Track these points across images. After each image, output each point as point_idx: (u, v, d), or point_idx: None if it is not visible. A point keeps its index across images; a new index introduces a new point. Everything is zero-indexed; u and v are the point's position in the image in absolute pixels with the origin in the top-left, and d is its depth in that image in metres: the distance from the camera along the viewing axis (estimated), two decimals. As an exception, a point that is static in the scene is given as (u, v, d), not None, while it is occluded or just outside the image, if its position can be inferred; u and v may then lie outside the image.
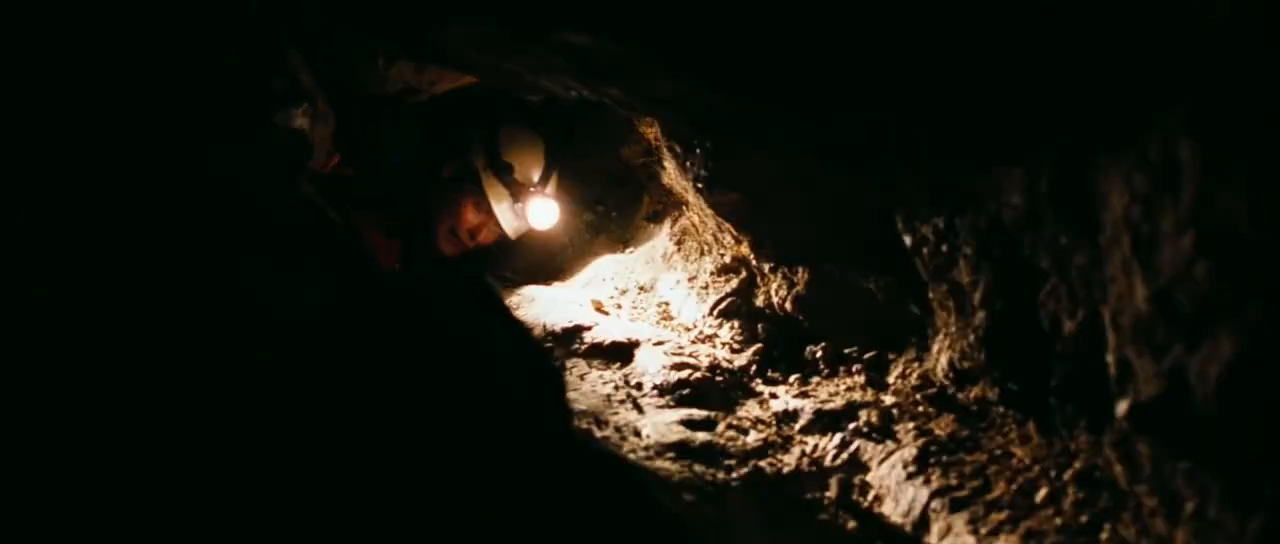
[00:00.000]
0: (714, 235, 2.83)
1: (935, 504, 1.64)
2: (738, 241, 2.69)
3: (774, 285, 2.53)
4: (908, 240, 1.88)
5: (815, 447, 1.99)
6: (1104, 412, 1.34)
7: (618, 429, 2.14)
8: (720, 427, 2.15)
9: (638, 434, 2.12)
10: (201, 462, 1.38)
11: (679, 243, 3.06)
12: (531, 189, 3.34)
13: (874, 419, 1.97)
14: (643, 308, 2.93)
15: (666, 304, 2.92)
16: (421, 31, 2.40)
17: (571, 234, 3.58)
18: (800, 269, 2.45)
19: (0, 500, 1.24)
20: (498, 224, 3.42)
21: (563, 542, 1.56)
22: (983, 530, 1.54)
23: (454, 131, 3.51)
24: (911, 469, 1.75)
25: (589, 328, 2.63)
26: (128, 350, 1.46)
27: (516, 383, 1.78)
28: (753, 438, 2.09)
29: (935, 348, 1.95)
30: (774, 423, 2.14)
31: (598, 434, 2.11)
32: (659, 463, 1.97)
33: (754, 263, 2.63)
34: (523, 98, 3.26)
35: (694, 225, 2.97)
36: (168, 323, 1.51)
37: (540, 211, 3.32)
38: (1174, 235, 1.12)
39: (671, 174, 2.90)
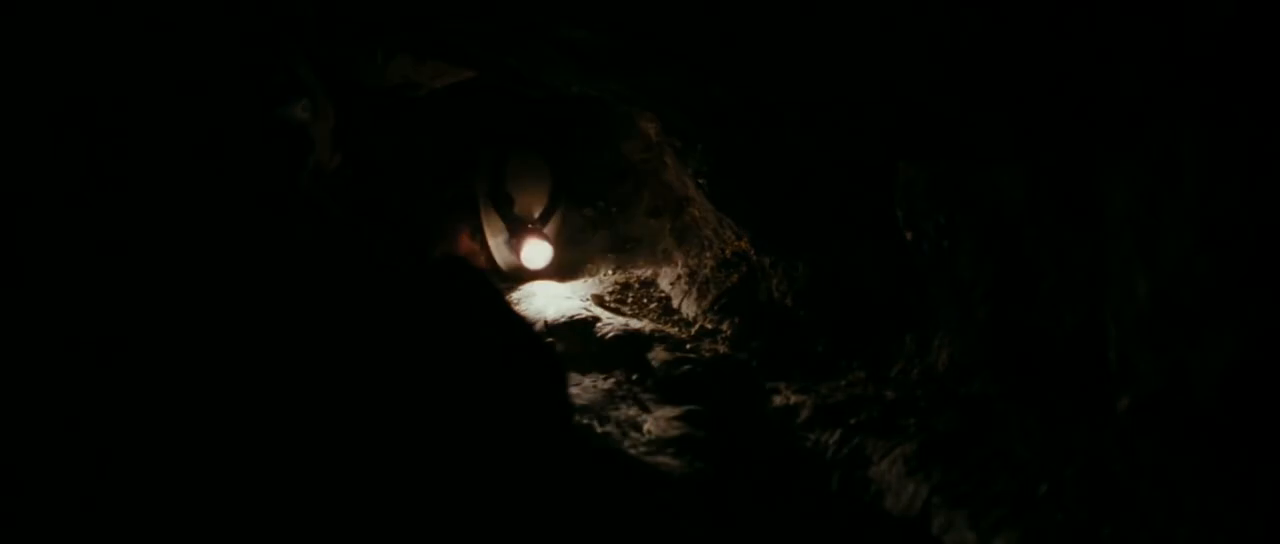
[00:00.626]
0: (715, 230, 2.83)
1: (936, 500, 1.64)
2: (738, 237, 2.69)
3: (775, 281, 2.53)
4: (909, 236, 1.87)
5: (817, 441, 1.99)
6: (1105, 407, 1.34)
7: (618, 425, 2.15)
8: (721, 421, 2.15)
9: (638, 429, 2.12)
10: (198, 452, 1.38)
11: (680, 238, 3.06)
12: (530, 227, 3.23)
13: (875, 414, 1.97)
14: (643, 303, 2.94)
15: (667, 299, 2.92)
16: (421, 27, 2.40)
17: (573, 230, 3.58)
18: (801, 264, 2.45)
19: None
20: (490, 255, 3.37)
21: (562, 535, 1.56)
22: (984, 525, 1.54)
23: (456, 136, 3.48)
24: (913, 464, 1.75)
25: (590, 323, 2.63)
26: (129, 343, 1.46)
27: (517, 378, 1.78)
28: (753, 432, 2.09)
29: (937, 343, 1.95)
30: (776, 418, 2.14)
31: (598, 429, 2.12)
32: (660, 459, 1.97)
33: (755, 258, 2.63)
34: (524, 93, 3.25)
35: (694, 221, 2.97)
36: (168, 318, 1.51)
37: (534, 252, 3.22)
38: (1176, 231, 1.12)
39: (672, 170, 2.90)
